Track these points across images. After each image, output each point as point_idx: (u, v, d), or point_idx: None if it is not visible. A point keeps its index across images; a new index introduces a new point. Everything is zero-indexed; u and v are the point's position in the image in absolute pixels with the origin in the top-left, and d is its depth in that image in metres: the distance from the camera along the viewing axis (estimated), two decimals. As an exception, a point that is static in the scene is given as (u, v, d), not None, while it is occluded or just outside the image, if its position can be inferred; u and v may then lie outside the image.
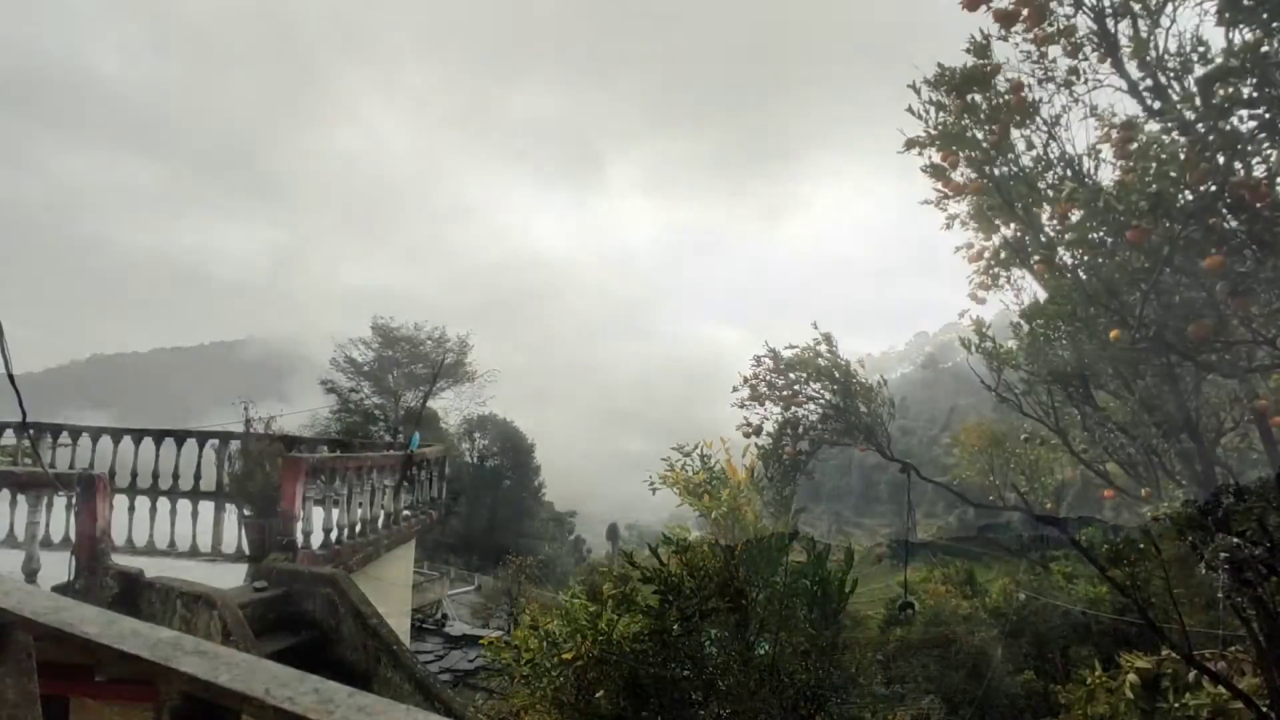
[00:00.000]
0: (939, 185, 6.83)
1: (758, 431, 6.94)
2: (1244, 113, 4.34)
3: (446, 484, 13.03)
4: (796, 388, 7.02)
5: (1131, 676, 9.36)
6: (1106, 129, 5.92)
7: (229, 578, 7.63)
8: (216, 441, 13.40)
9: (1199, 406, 6.33)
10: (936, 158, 6.67)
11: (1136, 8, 5.35)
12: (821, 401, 6.99)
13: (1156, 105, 5.33)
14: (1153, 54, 5.26)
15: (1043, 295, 6.50)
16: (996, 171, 6.49)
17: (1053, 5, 5.69)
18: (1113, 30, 5.56)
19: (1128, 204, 4.94)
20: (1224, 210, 4.82)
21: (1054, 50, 6.06)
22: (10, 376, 2.85)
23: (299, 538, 8.03)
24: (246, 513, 8.26)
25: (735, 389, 7.11)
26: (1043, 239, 6.41)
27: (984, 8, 5.88)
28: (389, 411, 38.88)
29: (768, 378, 7.05)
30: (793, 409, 6.95)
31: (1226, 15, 4.33)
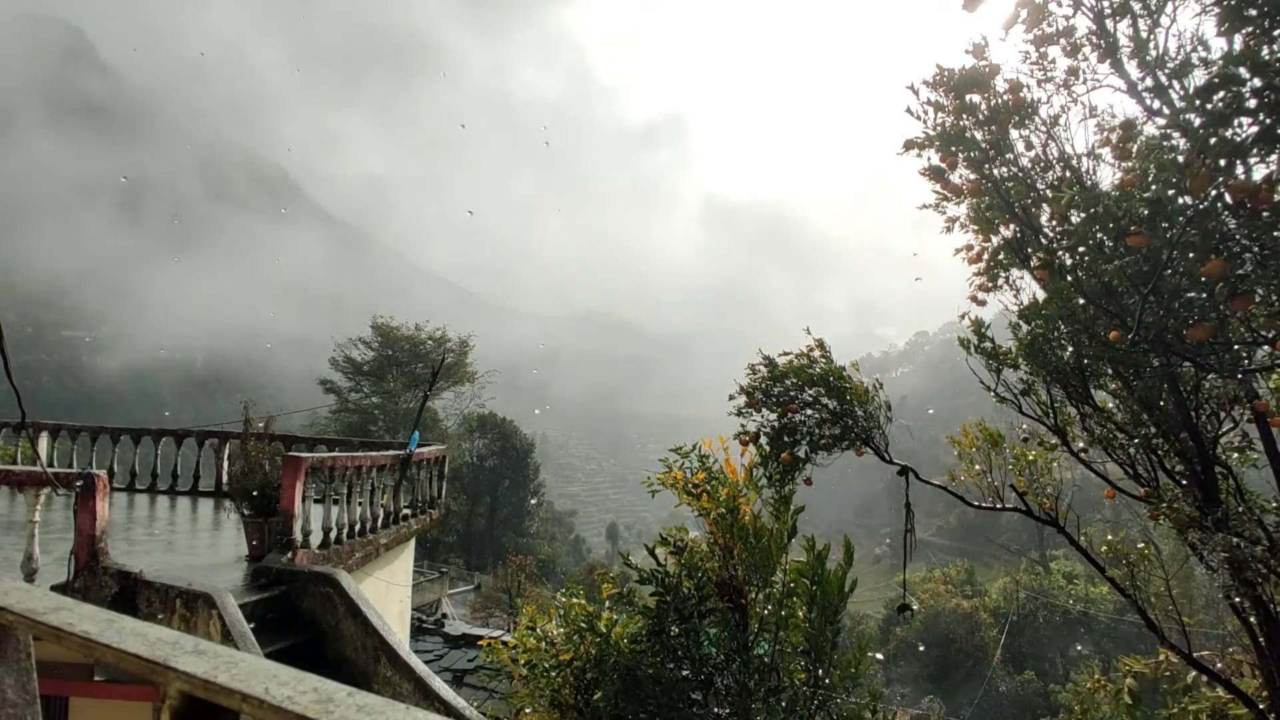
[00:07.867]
0: (938, 187, 6.80)
1: (755, 439, 6.95)
2: (1244, 120, 4.32)
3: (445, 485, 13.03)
4: (793, 394, 7.01)
5: (1130, 681, 9.36)
6: (1106, 134, 5.91)
7: (229, 577, 7.63)
8: (215, 440, 13.45)
9: (1199, 406, 6.32)
10: (935, 159, 6.66)
11: (1136, 7, 5.33)
12: (817, 407, 6.99)
13: (1156, 105, 5.32)
14: (1153, 54, 5.25)
15: (1042, 296, 6.50)
16: (995, 172, 6.48)
17: (1051, 6, 5.67)
18: (1112, 30, 5.55)
19: (1127, 209, 4.93)
20: (1224, 213, 4.80)
21: (1053, 50, 6.04)
22: (10, 376, 2.85)
23: (298, 537, 8.03)
24: (246, 512, 8.26)
25: (731, 397, 7.11)
26: (1042, 240, 6.40)
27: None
28: (388, 411, 38.93)
29: (763, 385, 7.05)
30: (789, 415, 6.95)
31: (1225, 26, 4.31)
